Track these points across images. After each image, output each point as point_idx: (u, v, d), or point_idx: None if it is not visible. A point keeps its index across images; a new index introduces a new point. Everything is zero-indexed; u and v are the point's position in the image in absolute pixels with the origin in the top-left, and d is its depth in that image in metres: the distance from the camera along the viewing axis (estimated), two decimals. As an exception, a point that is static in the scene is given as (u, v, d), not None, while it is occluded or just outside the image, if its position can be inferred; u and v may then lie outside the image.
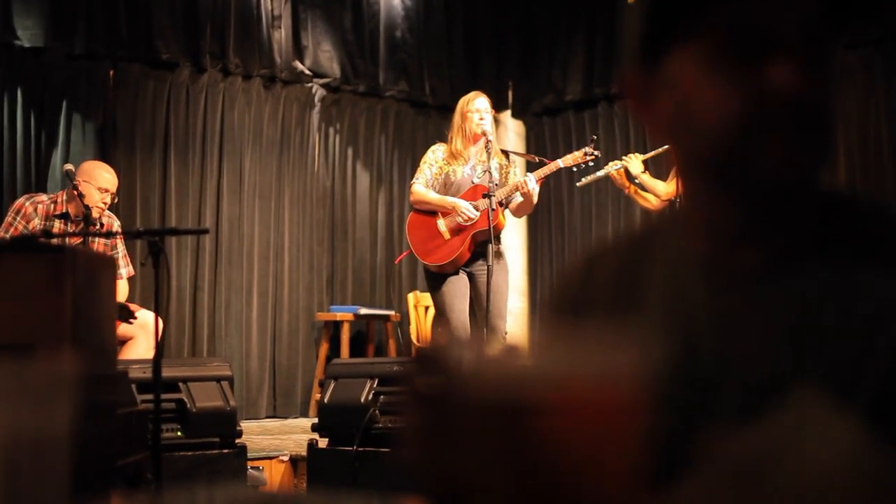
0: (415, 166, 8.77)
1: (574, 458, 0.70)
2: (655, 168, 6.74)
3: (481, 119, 5.93)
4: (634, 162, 6.36)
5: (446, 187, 6.01)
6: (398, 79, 8.81)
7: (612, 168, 6.43)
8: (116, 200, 6.06)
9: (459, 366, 0.76)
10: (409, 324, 7.92)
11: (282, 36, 8.13)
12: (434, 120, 9.05)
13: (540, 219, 8.92)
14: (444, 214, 5.96)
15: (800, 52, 0.99)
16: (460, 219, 5.85)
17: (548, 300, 1.20)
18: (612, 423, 0.71)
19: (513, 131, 9.17)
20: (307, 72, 8.28)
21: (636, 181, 6.38)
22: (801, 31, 1.00)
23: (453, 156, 6.01)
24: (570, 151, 8.70)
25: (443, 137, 8.80)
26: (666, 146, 5.96)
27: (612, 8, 8.42)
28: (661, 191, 6.26)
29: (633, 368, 0.71)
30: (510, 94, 9.27)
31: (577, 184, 6.66)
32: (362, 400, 4.59)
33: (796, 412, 0.98)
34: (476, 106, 5.96)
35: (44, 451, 0.83)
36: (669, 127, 1.08)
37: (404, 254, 6.80)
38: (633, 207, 7.84)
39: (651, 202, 6.44)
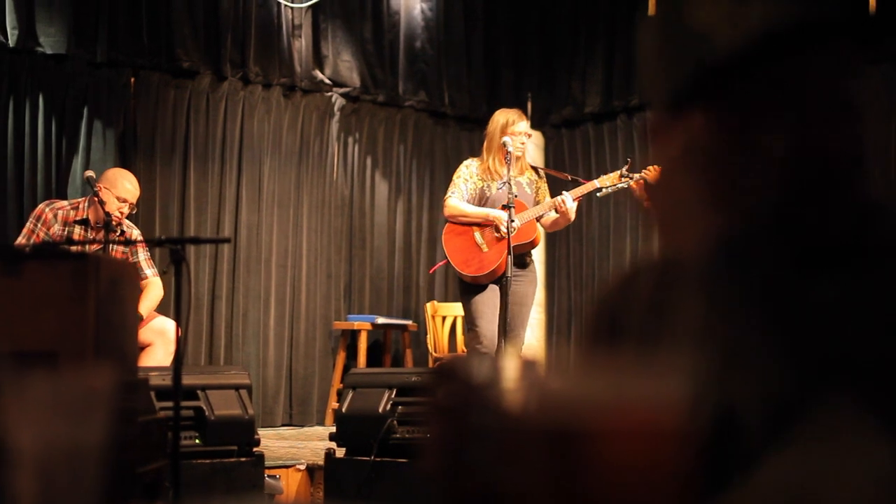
0: (433, 176, 8.84)
1: (619, 483, 0.69)
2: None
3: (522, 143, 6.05)
4: (654, 173, 6.34)
5: (482, 202, 6.07)
6: (417, 89, 8.83)
7: (632, 179, 6.42)
8: (136, 211, 6.06)
9: (481, 378, 0.77)
10: (426, 333, 7.92)
11: (302, 45, 8.16)
12: (453, 130, 9.07)
13: (558, 231, 8.89)
14: (481, 227, 6.01)
15: (814, 120, 0.99)
16: (501, 232, 5.90)
17: (587, 318, 1.19)
18: (656, 447, 0.70)
19: (531, 143, 9.16)
20: (327, 81, 8.31)
21: None
22: (815, 97, 0.99)
23: (488, 172, 6.05)
24: (590, 163, 8.77)
25: (461, 147, 8.89)
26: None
27: (632, 20, 8.42)
28: None
29: (675, 392, 0.71)
30: (529, 105, 9.26)
31: (598, 194, 6.66)
32: (380, 410, 4.59)
33: (829, 429, 0.97)
34: (520, 128, 6.03)
35: (77, 461, 0.83)
36: (680, 176, 1.09)
37: (440, 263, 6.84)
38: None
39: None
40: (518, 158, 6.03)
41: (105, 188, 5.76)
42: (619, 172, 6.21)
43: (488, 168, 6.07)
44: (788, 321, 1.02)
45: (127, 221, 5.97)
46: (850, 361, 0.98)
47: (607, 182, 6.19)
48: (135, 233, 6.04)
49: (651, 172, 6.35)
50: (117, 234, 5.84)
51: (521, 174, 6.11)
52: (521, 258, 6.02)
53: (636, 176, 6.38)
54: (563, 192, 6.01)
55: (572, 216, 6.01)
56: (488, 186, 6.06)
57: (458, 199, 6.09)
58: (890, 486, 0.93)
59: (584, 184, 6.20)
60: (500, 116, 6.09)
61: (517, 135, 6.00)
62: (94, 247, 5.72)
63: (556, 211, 5.99)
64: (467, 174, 6.15)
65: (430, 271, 8.35)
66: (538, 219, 6.06)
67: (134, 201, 5.91)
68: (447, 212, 6.15)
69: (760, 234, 1.04)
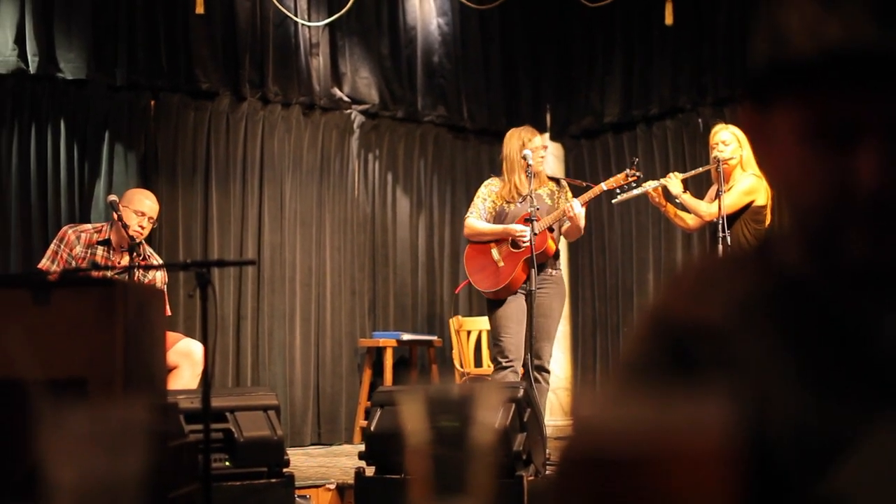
0: (454, 191, 8.83)
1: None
2: (696, 187, 6.67)
3: (542, 157, 6.21)
4: (674, 181, 6.24)
5: (501, 219, 6.18)
6: (436, 104, 8.82)
7: (650, 186, 6.34)
8: (155, 226, 6.10)
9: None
10: (451, 349, 7.90)
11: (320, 63, 8.17)
12: (472, 144, 9.06)
13: (580, 241, 8.84)
14: (498, 243, 6.11)
15: (890, 145, 0.97)
16: (517, 241, 5.98)
17: (637, 334, 1.15)
18: (705, 475, 0.69)
19: (551, 154, 9.13)
20: (346, 98, 8.31)
21: (676, 201, 6.28)
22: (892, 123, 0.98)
23: (511, 191, 6.16)
24: (610, 173, 8.74)
25: (481, 161, 8.88)
26: (707, 166, 5.89)
27: (649, 29, 8.39)
28: (703, 211, 6.13)
29: (725, 418, 0.69)
30: (548, 116, 9.26)
31: (613, 201, 6.63)
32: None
33: (881, 446, 0.96)
34: (535, 144, 6.13)
35: (115, 490, 0.83)
36: (769, 171, 1.09)
37: (463, 283, 6.96)
38: (674, 230, 7.78)
39: (687, 222, 6.36)
40: (537, 172, 6.07)
41: (124, 206, 5.80)
42: (624, 173, 6.30)
43: (511, 187, 6.15)
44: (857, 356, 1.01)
45: (150, 250, 6.00)
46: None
47: (613, 183, 6.26)
48: (156, 262, 6.05)
49: (670, 180, 6.29)
50: (140, 256, 5.86)
51: (539, 187, 6.15)
52: (542, 267, 6.05)
53: (654, 183, 6.33)
54: (571, 199, 6.09)
55: (581, 222, 6.03)
56: (508, 204, 6.16)
57: (476, 218, 6.22)
58: None
59: (592, 188, 6.24)
60: (514, 138, 6.20)
61: (534, 150, 6.08)
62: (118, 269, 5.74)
63: (567, 219, 6.05)
64: (485, 193, 6.27)
65: (455, 291, 8.34)
66: (553, 229, 6.11)
67: (153, 216, 5.94)
68: (466, 232, 6.32)
69: (823, 256, 1.03)
